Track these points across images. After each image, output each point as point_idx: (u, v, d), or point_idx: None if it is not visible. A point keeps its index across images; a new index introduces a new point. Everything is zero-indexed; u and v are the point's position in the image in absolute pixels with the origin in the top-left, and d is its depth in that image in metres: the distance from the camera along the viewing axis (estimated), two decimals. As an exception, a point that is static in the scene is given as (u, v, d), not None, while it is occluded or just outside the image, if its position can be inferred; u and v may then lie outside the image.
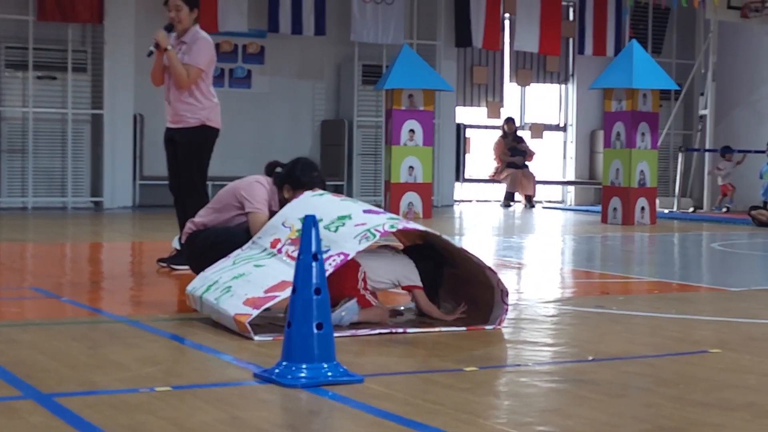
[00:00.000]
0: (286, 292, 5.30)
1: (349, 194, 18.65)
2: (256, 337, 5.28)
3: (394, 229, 5.63)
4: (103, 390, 4.22)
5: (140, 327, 5.72)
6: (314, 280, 4.38)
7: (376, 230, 5.49)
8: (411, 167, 15.53)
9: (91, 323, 6.08)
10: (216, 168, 10.29)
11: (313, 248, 4.40)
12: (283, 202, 6.45)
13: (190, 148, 8.51)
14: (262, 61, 18.45)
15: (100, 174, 16.98)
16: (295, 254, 5.55)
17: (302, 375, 4.32)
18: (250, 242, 6.04)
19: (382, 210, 5.88)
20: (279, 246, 5.74)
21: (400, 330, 5.63)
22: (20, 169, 16.54)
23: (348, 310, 5.63)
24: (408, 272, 5.87)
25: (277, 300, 5.36)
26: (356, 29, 18.33)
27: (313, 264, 4.39)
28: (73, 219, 15.02)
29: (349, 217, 5.66)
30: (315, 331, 4.36)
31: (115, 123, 16.93)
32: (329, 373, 4.36)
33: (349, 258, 5.43)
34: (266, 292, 5.38)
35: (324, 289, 4.39)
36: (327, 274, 5.27)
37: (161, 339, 5.38)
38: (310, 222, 4.44)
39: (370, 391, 4.25)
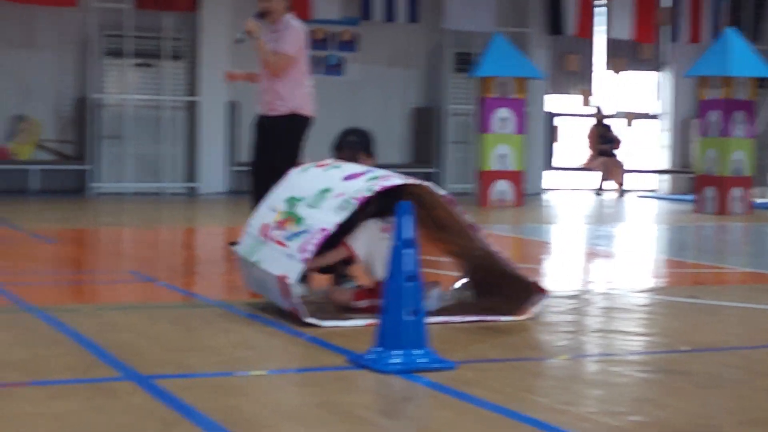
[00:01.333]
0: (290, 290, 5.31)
1: (440, 182, 18.68)
2: (348, 323, 5.34)
3: (371, 193, 5.39)
4: (199, 373, 4.31)
5: (234, 311, 5.81)
6: (408, 267, 4.41)
7: (355, 199, 5.37)
8: (502, 155, 15.50)
9: (187, 307, 6.21)
10: (308, 155, 10.37)
11: (407, 235, 4.43)
12: None
13: (282, 136, 8.58)
14: (355, 49, 18.53)
15: (195, 160, 17.21)
16: (283, 239, 5.49)
17: (395, 361, 4.37)
18: (245, 232, 5.98)
19: (364, 171, 5.66)
20: (267, 232, 5.70)
21: (491, 318, 5.64)
22: (118, 155, 16.84)
23: (434, 297, 5.68)
24: None
25: (292, 302, 5.35)
26: (449, 17, 18.30)
27: (407, 251, 4.42)
28: (168, 204, 15.25)
29: (329, 189, 5.58)
30: (408, 317, 4.40)
31: (210, 110, 17.14)
32: (422, 360, 4.40)
33: (330, 232, 5.34)
34: (283, 296, 5.39)
35: (418, 275, 4.42)
36: (312, 255, 5.29)
37: (255, 323, 5.45)
38: (404, 209, 4.47)
39: (463, 378, 4.27)
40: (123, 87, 16.82)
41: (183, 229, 11.76)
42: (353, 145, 6.30)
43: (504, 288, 5.89)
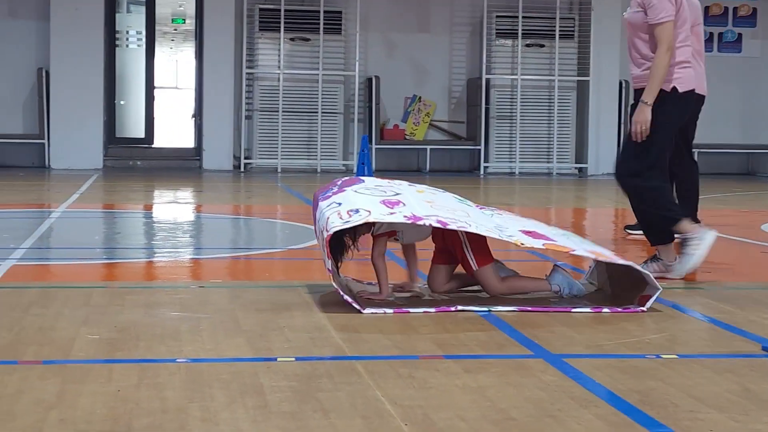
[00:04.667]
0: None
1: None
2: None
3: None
4: (609, 354, 4.26)
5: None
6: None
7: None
8: None
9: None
10: (704, 135, 10.09)
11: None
12: None
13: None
14: (754, 24, 17.80)
15: (585, 140, 17.13)
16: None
17: (815, 351, 4.15)
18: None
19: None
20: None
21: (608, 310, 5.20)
22: (508, 135, 17.04)
23: (561, 282, 5.45)
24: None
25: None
26: None
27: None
28: (558, 185, 15.28)
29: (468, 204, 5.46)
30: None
31: (600, 89, 17.00)
32: None
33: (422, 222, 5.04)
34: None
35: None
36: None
37: (661, 306, 5.33)
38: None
39: None
40: (514, 68, 16.99)
41: (574, 210, 11.74)
42: None
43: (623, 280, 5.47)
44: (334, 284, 5.05)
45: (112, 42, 17.18)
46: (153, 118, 17.88)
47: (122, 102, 17.76)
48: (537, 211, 11.30)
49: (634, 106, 6.42)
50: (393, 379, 3.77)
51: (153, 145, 17.82)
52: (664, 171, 6.42)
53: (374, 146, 16.43)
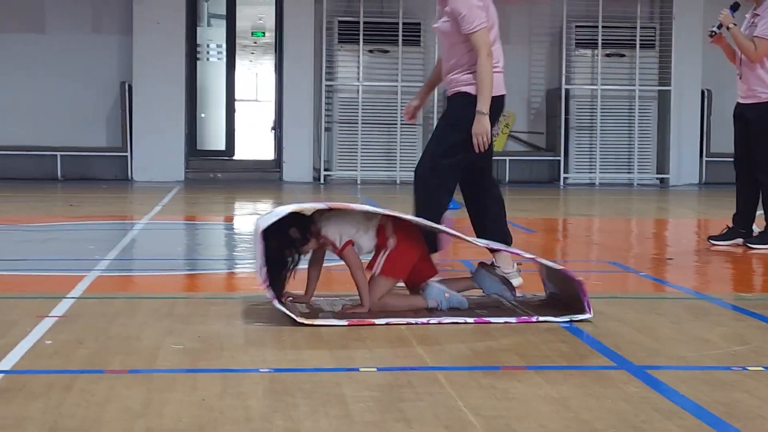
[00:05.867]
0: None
1: None
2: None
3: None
4: (693, 365, 4.22)
5: (720, 304, 5.67)
6: None
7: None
8: None
9: (669, 299, 6.12)
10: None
11: None
12: None
13: (762, 125, 8.28)
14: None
15: (666, 151, 16.97)
16: None
17: None
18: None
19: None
20: None
21: (544, 319, 5.09)
22: (588, 146, 16.93)
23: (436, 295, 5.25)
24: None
25: None
26: None
27: None
28: (639, 195, 15.15)
29: None
30: None
31: (682, 99, 16.83)
32: None
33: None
34: None
35: None
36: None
37: (745, 317, 5.28)
38: None
39: None
40: (594, 78, 16.88)
41: (656, 221, 11.64)
42: None
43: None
44: (268, 294, 5.09)
45: (194, 55, 17.38)
46: (233, 131, 18.04)
47: (203, 115, 17.94)
48: (618, 221, 11.23)
49: (447, 113, 6.16)
50: (475, 389, 3.77)
51: (233, 158, 17.98)
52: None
53: (453, 157, 16.40)
